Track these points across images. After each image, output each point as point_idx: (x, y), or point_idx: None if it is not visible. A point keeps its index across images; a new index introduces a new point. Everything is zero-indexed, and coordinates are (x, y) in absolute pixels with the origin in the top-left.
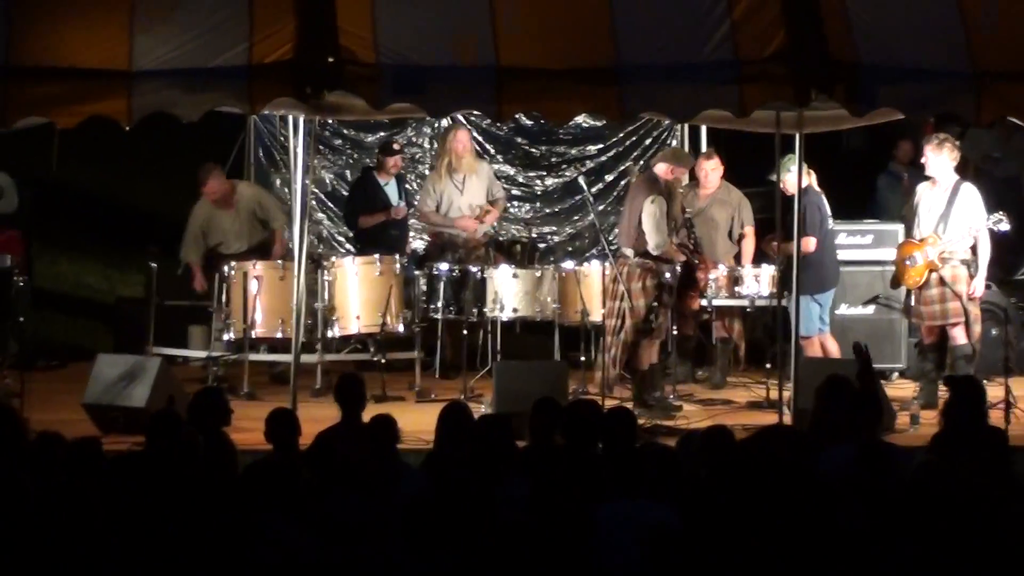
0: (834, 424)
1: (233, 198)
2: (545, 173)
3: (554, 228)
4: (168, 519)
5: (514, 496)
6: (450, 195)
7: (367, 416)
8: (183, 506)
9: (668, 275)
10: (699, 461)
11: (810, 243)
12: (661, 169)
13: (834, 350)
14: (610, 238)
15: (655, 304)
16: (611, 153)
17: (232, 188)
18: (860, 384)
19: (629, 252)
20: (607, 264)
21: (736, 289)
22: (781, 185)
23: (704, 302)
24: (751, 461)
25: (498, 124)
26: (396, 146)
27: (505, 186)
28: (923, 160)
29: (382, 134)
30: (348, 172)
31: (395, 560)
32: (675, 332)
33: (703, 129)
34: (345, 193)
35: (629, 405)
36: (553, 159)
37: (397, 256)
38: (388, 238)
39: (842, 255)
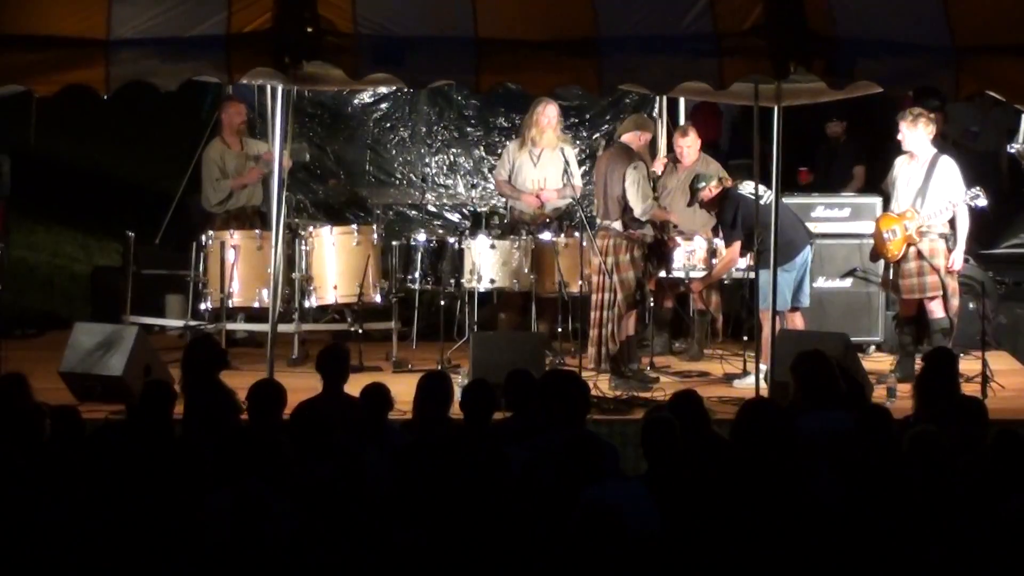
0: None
1: (243, 139)
2: None
3: None
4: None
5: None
6: (522, 166)
7: (349, 387)
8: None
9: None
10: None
11: (735, 249)
12: (631, 138)
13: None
14: (589, 210)
15: (642, 275)
16: (592, 126)
17: (245, 125)
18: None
19: (616, 225)
20: (586, 237)
21: (713, 262)
22: (698, 198)
23: (682, 274)
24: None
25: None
26: None
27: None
28: (899, 136)
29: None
30: (325, 143)
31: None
32: (652, 304)
33: (681, 102)
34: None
35: (606, 376)
36: None
37: (374, 226)
38: None
39: (819, 228)
